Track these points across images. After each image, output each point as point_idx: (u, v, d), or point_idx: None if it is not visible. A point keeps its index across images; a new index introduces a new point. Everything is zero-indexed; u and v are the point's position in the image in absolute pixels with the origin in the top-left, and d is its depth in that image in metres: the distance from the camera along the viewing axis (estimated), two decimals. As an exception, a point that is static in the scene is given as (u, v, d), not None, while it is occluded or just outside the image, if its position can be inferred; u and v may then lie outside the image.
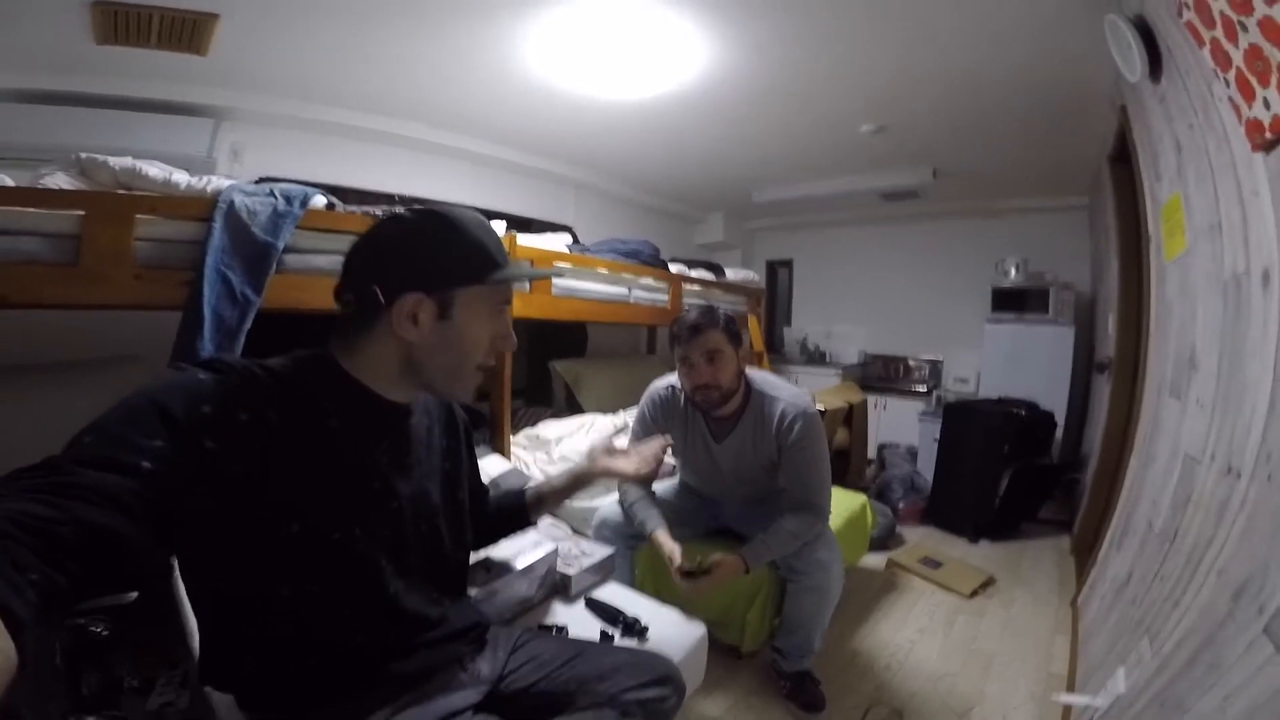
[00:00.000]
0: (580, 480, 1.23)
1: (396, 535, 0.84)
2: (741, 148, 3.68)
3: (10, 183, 1.49)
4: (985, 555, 2.97)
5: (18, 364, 1.82)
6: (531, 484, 1.24)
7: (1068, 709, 1.61)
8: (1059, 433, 3.67)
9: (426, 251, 0.80)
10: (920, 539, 3.14)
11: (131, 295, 1.53)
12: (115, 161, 1.63)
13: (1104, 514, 2.24)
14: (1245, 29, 1.01)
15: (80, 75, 2.36)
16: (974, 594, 2.48)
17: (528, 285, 2.46)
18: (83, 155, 1.64)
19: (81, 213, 1.46)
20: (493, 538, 1.22)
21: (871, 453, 4.25)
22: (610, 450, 1.27)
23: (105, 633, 1.37)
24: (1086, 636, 1.87)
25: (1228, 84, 1.10)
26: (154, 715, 1.25)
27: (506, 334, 0.88)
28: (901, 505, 3.36)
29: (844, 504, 2.38)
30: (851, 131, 3.32)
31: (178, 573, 0.76)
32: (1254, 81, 1.00)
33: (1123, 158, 2.37)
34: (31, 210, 1.42)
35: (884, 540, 2.96)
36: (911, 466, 3.81)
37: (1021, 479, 3.19)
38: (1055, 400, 3.70)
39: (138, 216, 1.53)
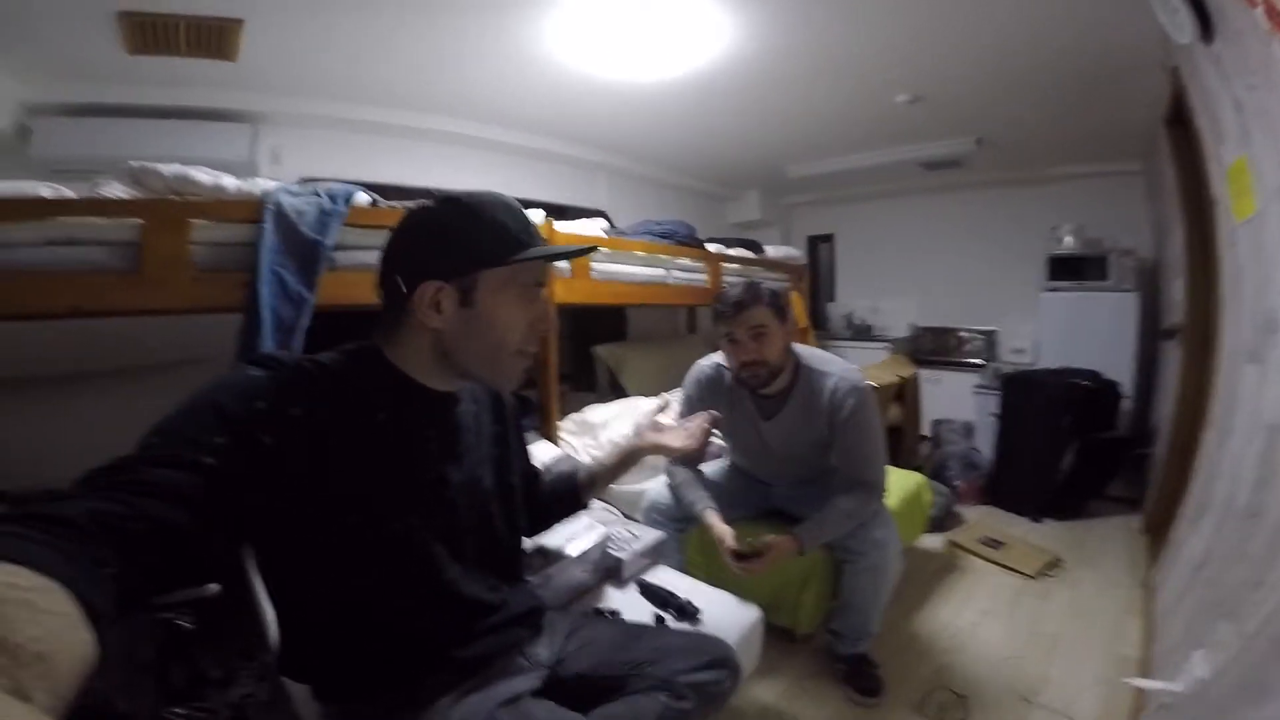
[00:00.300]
0: (629, 458, 1.21)
1: (451, 523, 0.85)
2: (773, 124, 3.59)
3: (72, 195, 1.55)
4: (1050, 534, 2.86)
5: (88, 370, 1.93)
6: (583, 472, 1.23)
7: (1139, 692, 1.54)
8: (1126, 404, 3.48)
9: (444, 238, 0.79)
10: (980, 518, 3.04)
11: (191, 299, 1.60)
12: (166, 169, 1.68)
13: (1178, 490, 2.11)
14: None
15: (121, 86, 2.46)
16: (1039, 574, 2.39)
17: (569, 267, 2.47)
18: (135, 164, 1.70)
19: (140, 221, 1.52)
20: (548, 522, 1.22)
21: (925, 429, 4.12)
22: (657, 426, 1.27)
23: (191, 626, 1.44)
24: (1161, 618, 1.78)
25: None
26: (235, 707, 1.30)
27: (543, 316, 0.85)
28: (959, 484, 3.25)
29: (900, 483, 2.32)
30: (886, 103, 3.21)
31: (255, 566, 0.79)
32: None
33: (1178, 120, 2.26)
34: (96, 220, 1.48)
35: (942, 520, 2.87)
36: (968, 443, 3.67)
37: (1087, 454, 3.05)
38: (1120, 370, 3.50)
39: (192, 221, 1.58)
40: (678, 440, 1.22)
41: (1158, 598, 1.94)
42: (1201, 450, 1.87)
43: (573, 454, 2.43)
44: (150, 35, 2.12)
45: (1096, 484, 3.20)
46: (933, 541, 2.69)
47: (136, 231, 1.51)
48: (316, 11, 2.15)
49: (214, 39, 2.20)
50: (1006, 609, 2.16)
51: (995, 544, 2.62)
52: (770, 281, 3.72)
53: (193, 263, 1.59)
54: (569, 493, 1.20)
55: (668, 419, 1.37)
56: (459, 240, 0.79)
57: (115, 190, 1.65)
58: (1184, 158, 2.36)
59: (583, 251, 0.96)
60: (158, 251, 1.53)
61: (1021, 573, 2.40)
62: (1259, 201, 1.38)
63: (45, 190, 1.51)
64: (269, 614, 0.83)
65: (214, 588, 1.41)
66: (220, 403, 0.66)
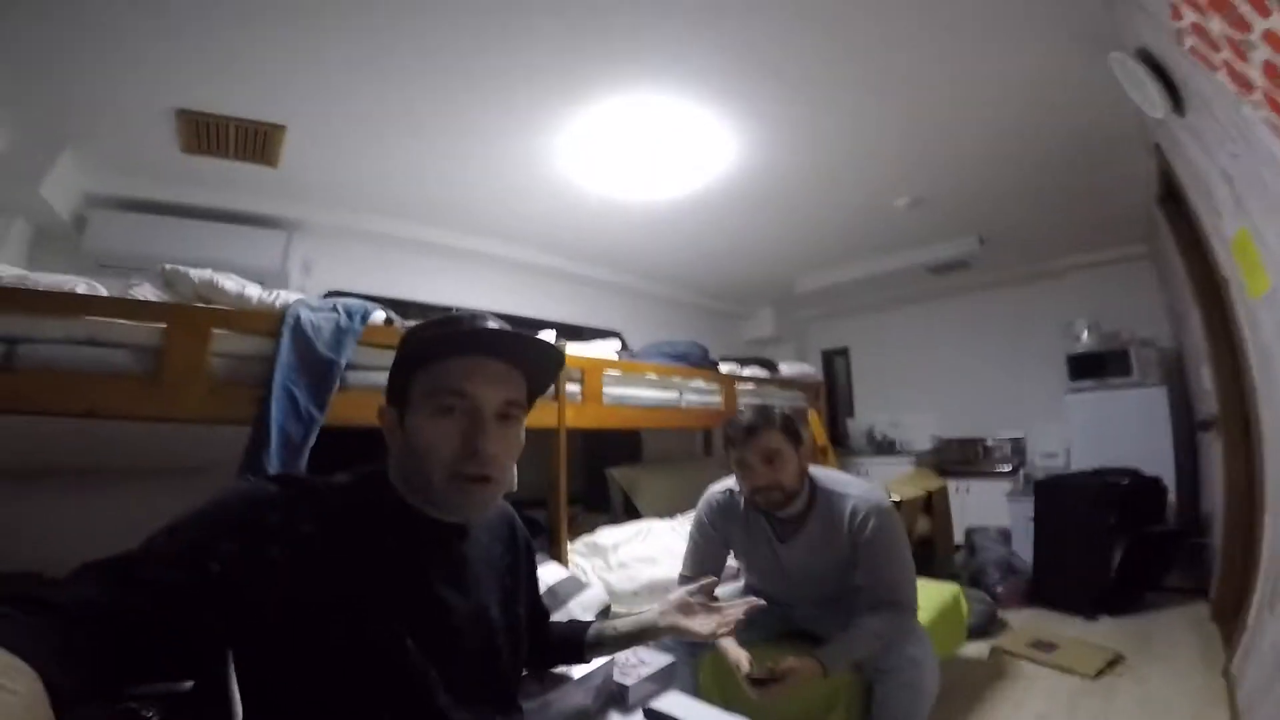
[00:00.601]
0: (647, 633, 1.12)
1: (450, 650, 0.82)
2: (779, 236, 3.76)
3: (104, 292, 1.60)
4: (1107, 632, 2.63)
5: (97, 467, 1.95)
6: (596, 625, 1.15)
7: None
8: (1171, 497, 3.28)
9: (395, 361, 0.81)
10: (1027, 621, 2.82)
11: (205, 410, 1.61)
12: (195, 273, 1.75)
13: (1245, 576, 1.97)
14: (1253, 46, 0.99)
15: (174, 186, 2.69)
16: (1100, 674, 2.17)
17: (579, 391, 2.49)
18: (167, 267, 1.78)
19: (164, 325, 1.56)
20: (545, 664, 1.16)
21: (959, 538, 3.89)
22: (687, 606, 1.13)
23: (154, 718, 1.35)
24: (1247, 708, 1.59)
25: (1256, 106, 1.07)
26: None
27: (472, 434, 0.76)
28: (1000, 589, 3.06)
29: (933, 596, 2.18)
30: (887, 207, 3.35)
31: (231, 666, 0.76)
32: (1284, 100, 0.97)
33: (1171, 197, 2.31)
34: (121, 322, 1.53)
35: (984, 628, 2.67)
36: (1006, 548, 3.46)
37: (1139, 548, 2.87)
38: (1160, 465, 3.35)
39: (214, 331, 1.64)
40: (705, 628, 1.09)
41: (1241, 686, 1.74)
42: (1264, 533, 1.77)
43: (582, 577, 2.32)
44: (203, 134, 2.34)
45: (1154, 576, 3.00)
46: (977, 650, 2.47)
47: (159, 336, 1.55)
48: (352, 124, 2.38)
49: (259, 143, 2.42)
50: (1065, 712, 1.95)
51: (1048, 647, 2.41)
52: (784, 402, 3.76)
53: (211, 373, 1.62)
54: (574, 644, 1.13)
55: (697, 599, 1.26)
56: (398, 360, 0.81)
57: (146, 291, 1.71)
58: (1184, 236, 2.38)
59: (505, 338, 0.79)
60: (178, 359, 1.56)
61: (1080, 673, 2.17)
62: (1272, 276, 1.36)
63: (81, 286, 1.56)
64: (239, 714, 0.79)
65: (187, 685, 1.35)
66: (236, 511, 0.68)
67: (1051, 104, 2.34)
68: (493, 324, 0.79)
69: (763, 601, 1.17)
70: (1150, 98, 1.60)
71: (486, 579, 0.90)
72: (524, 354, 0.81)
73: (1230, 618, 2.16)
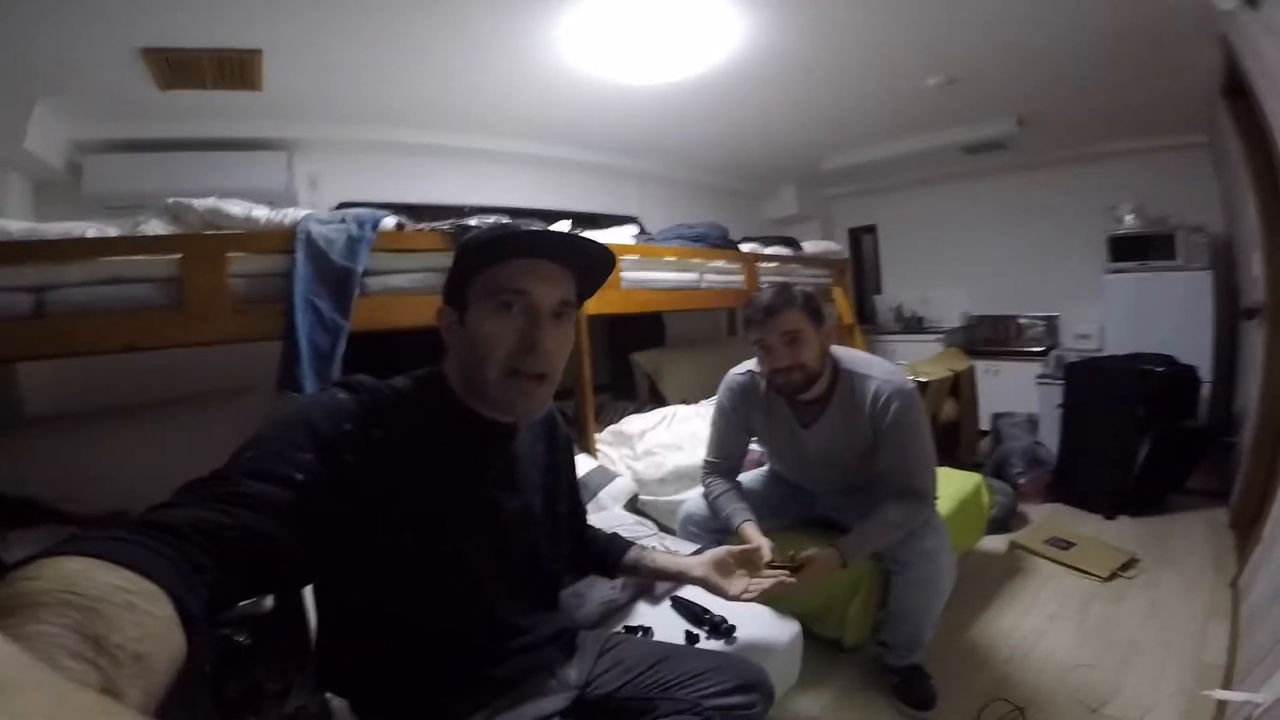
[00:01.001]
0: (680, 577, 1.18)
1: (500, 548, 0.87)
2: (801, 116, 3.50)
3: (115, 233, 1.64)
4: (1125, 533, 2.66)
5: (147, 401, 2.05)
6: (637, 548, 1.19)
7: (1221, 704, 1.41)
8: (1205, 390, 3.22)
9: (452, 267, 0.84)
10: (1047, 517, 2.87)
11: (233, 330, 1.66)
12: (199, 203, 1.76)
13: (1268, 482, 1.95)
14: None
15: (161, 122, 2.60)
16: (1112, 576, 2.23)
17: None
18: (170, 200, 1.78)
19: (180, 255, 1.59)
20: (578, 571, 1.22)
21: (985, 424, 3.93)
22: (724, 565, 1.16)
23: (247, 642, 1.51)
24: (1249, 623, 1.63)
25: None
26: (289, 718, 1.36)
27: (530, 330, 0.79)
28: (1023, 481, 3.07)
29: (955, 485, 2.20)
30: (918, 87, 3.08)
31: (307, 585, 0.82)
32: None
33: (1237, 91, 2.12)
34: (138, 258, 1.56)
35: (1005, 521, 2.72)
36: (1032, 437, 3.46)
37: (1165, 445, 2.82)
38: (1197, 353, 3.24)
39: (229, 254, 1.65)
40: (734, 589, 1.13)
41: (1246, 600, 1.78)
42: None
43: (609, 466, 2.42)
44: (176, 70, 2.23)
45: (1176, 477, 2.96)
46: (995, 543, 2.55)
47: (176, 267, 1.58)
48: (333, 38, 2.21)
49: (237, 70, 2.29)
50: (1075, 614, 2.02)
51: (1064, 544, 2.46)
52: (807, 282, 3.67)
53: (232, 295, 1.66)
54: (609, 561, 1.18)
55: (759, 546, 1.28)
56: (454, 263, 0.83)
57: (155, 227, 1.73)
58: (1248, 130, 2.23)
59: (561, 240, 0.83)
60: (199, 285, 1.60)
61: (1093, 574, 2.24)
62: None
63: (91, 230, 1.60)
64: (313, 625, 0.87)
65: (268, 604, 1.50)
66: (312, 422, 0.70)
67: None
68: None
69: (791, 578, 1.21)
70: (1220, -10, 1.41)
71: (531, 477, 0.95)
72: (577, 256, 0.83)
73: (1247, 527, 2.18)
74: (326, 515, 0.66)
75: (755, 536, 1.52)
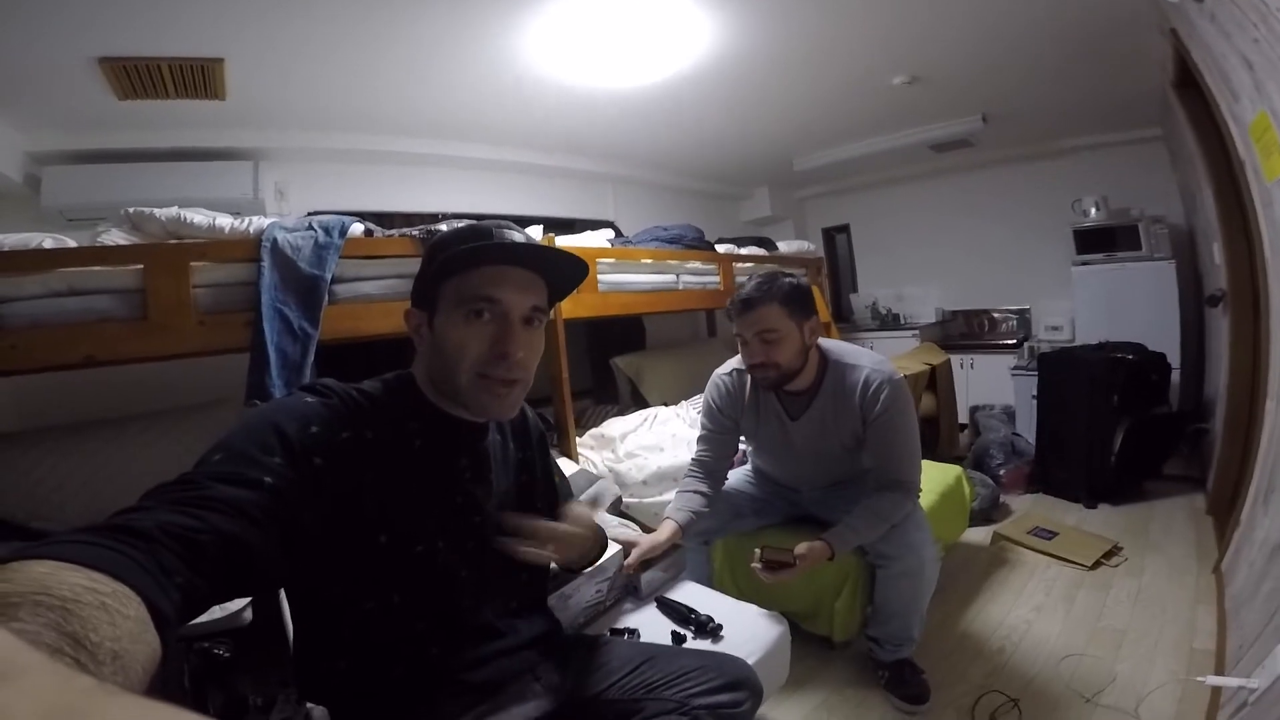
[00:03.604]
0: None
1: (478, 548, 0.86)
2: (771, 117, 3.54)
3: (73, 244, 1.58)
4: (1106, 520, 2.69)
5: (118, 416, 1.96)
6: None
7: (1215, 690, 1.41)
8: (1175, 377, 3.30)
9: (420, 267, 0.85)
10: (1029, 508, 2.89)
11: (198, 341, 1.61)
12: (161, 212, 1.71)
13: (1243, 466, 1.97)
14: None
15: (121, 132, 2.53)
16: (1097, 564, 2.24)
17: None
18: (131, 210, 1.73)
19: (141, 266, 1.53)
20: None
21: (963, 417, 3.97)
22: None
23: (227, 654, 1.46)
24: (1235, 608, 1.64)
25: None
26: (271, 731, 1.31)
27: (500, 337, 0.79)
28: (1003, 472, 3.10)
29: (936, 478, 2.21)
30: (884, 86, 3.14)
31: (283, 591, 0.82)
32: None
33: (1188, 82, 2.16)
34: (98, 269, 1.50)
35: (987, 513, 2.74)
36: (1010, 428, 3.51)
37: (1139, 433, 2.86)
38: (1165, 341, 3.32)
39: (192, 264, 1.60)
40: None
41: (1230, 584, 1.79)
42: (1264, 422, 1.73)
43: (591, 469, 2.38)
44: (136, 79, 2.16)
45: (1152, 464, 3.01)
46: (979, 535, 2.56)
47: (138, 278, 1.53)
48: (295, 45, 2.17)
49: (199, 79, 2.23)
50: (1062, 603, 2.02)
51: (1047, 534, 2.47)
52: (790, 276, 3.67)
53: (196, 305, 1.60)
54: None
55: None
56: (422, 266, 0.84)
57: (115, 237, 1.68)
58: (1200, 120, 2.28)
59: (532, 249, 0.82)
60: (162, 296, 1.55)
61: (1077, 563, 2.25)
62: None
63: (48, 241, 1.54)
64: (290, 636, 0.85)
65: (247, 617, 1.45)
66: (279, 425, 0.69)
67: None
68: (517, 236, 0.83)
69: None
70: (1165, -20, 1.46)
71: (504, 475, 0.94)
72: (548, 264, 0.84)
73: (1225, 511, 2.20)
74: (296, 518, 0.66)
75: (658, 536, 1.46)
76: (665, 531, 1.48)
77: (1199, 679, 1.46)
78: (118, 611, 0.40)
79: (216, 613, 1.37)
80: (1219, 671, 1.50)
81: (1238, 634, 1.51)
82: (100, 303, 1.50)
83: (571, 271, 0.87)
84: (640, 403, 3.35)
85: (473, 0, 2.05)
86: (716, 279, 3.26)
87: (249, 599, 1.44)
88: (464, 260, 0.79)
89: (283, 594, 0.83)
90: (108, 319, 1.51)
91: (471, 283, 0.79)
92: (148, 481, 0.63)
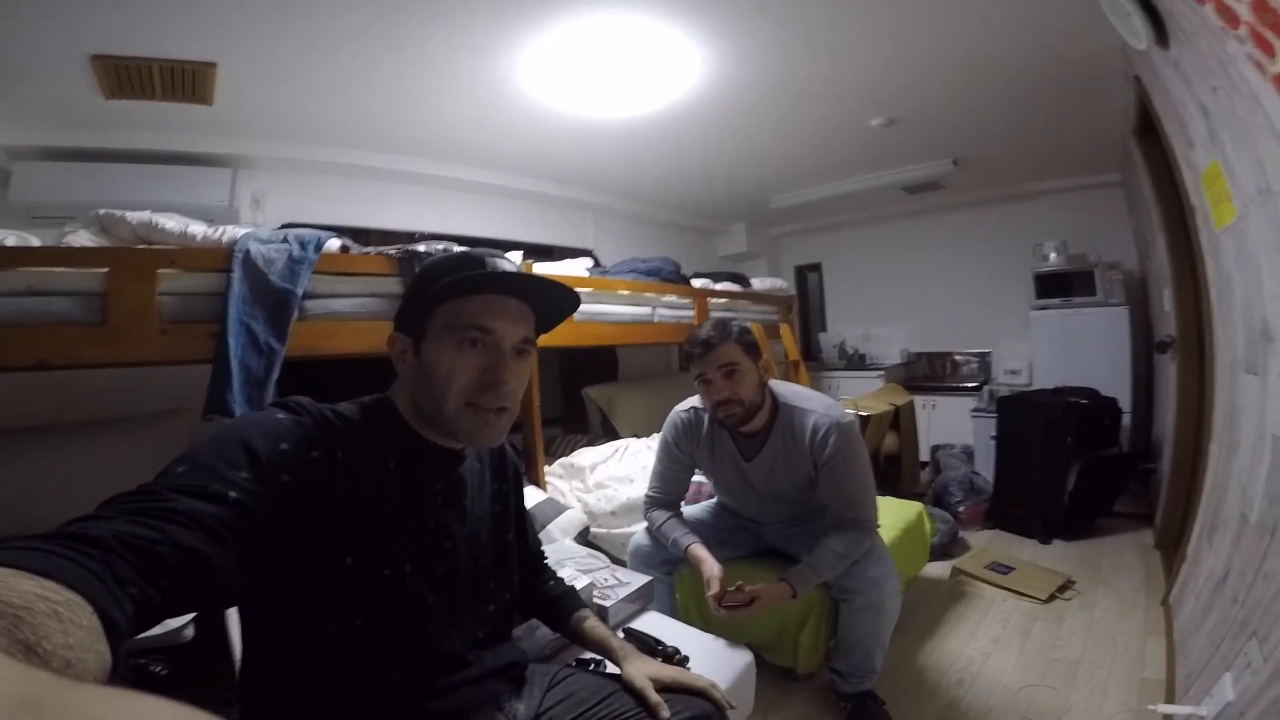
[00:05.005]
0: (612, 659, 1.07)
1: (449, 575, 0.85)
2: (752, 154, 3.64)
3: (37, 243, 1.54)
4: (1060, 556, 2.77)
5: (70, 421, 1.90)
6: (588, 613, 1.13)
7: (1168, 718, 1.45)
8: (1126, 420, 3.43)
9: (407, 291, 0.86)
10: (986, 543, 2.96)
11: (160, 351, 1.57)
12: (132, 216, 1.68)
13: (1188, 505, 2.06)
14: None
15: (101, 131, 2.48)
16: (1051, 598, 2.30)
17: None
18: (101, 211, 1.69)
19: (105, 270, 1.49)
20: (526, 613, 1.17)
21: (925, 456, 4.06)
22: (661, 684, 1.01)
23: (164, 672, 1.40)
24: (1183, 639, 1.70)
25: (1242, 41, 1.03)
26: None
27: (492, 366, 0.80)
28: (962, 509, 3.17)
29: (898, 514, 2.25)
30: (862, 127, 3.25)
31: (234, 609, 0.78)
32: (1270, 36, 0.92)
33: (1148, 129, 2.27)
34: (60, 270, 1.46)
35: (946, 548, 2.80)
36: (969, 467, 3.61)
37: (1091, 472, 2.98)
38: (1117, 386, 3.47)
39: (159, 271, 1.56)
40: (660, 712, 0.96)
41: (1178, 616, 1.85)
42: (1209, 463, 1.82)
43: (560, 499, 2.36)
44: (125, 79, 2.13)
45: (1104, 502, 3.13)
46: (938, 569, 2.60)
47: (101, 281, 1.49)
48: (290, 55, 2.17)
49: (189, 83, 2.21)
50: (1019, 636, 2.06)
51: (1004, 569, 2.53)
52: (754, 318, 3.76)
53: (160, 313, 1.56)
54: (559, 614, 1.12)
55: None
56: (411, 291, 0.85)
57: (83, 239, 1.63)
58: (1156, 167, 2.37)
59: (531, 281, 0.83)
60: (125, 301, 1.51)
61: (1033, 597, 2.30)
62: (1238, 206, 1.37)
63: (10, 238, 1.50)
64: (237, 657, 0.81)
65: (188, 634, 1.41)
66: (249, 440, 0.68)
67: (1032, 30, 2.23)
68: (508, 265, 0.84)
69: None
70: (1134, 28, 1.54)
71: (478, 504, 0.93)
72: (543, 296, 0.85)
73: (1172, 546, 2.29)
74: (260, 535, 0.64)
75: (704, 555, 1.55)
76: (707, 556, 1.56)
77: (1151, 707, 1.51)
78: (70, 620, 0.39)
79: (155, 629, 1.31)
80: (1169, 700, 1.55)
81: (1186, 664, 1.56)
82: (58, 305, 1.46)
83: (562, 305, 0.89)
84: (611, 433, 3.36)
85: (469, 23, 2.08)
86: (691, 313, 3.31)
87: (192, 615, 1.38)
88: (462, 288, 0.79)
89: (232, 612, 0.79)
90: (65, 322, 1.46)
91: (465, 311, 0.79)
92: (93, 491, 0.62)
